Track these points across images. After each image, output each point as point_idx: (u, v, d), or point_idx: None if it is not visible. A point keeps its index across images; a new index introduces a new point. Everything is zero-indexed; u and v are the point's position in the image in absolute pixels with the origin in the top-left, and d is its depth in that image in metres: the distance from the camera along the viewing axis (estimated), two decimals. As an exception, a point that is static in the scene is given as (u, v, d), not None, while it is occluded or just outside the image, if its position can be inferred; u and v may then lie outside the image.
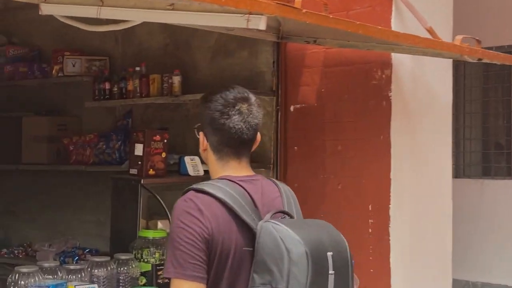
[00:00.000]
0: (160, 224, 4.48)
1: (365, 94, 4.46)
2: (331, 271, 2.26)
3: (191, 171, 4.71)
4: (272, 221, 2.30)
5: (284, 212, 2.43)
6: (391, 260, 4.32)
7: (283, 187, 2.56)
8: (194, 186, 2.37)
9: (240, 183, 2.40)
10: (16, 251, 6.21)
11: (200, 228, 2.28)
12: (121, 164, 5.40)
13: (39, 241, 6.16)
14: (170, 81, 5.13)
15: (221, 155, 2.45)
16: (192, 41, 5.34)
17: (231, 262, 2.32)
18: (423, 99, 4.29)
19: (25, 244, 6.29)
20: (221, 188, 2.36)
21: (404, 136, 4.34)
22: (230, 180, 2.40)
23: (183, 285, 2.26)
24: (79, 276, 3.67)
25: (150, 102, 5.40)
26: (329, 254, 2.27)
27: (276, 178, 4.81)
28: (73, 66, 5.72)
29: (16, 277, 3.54)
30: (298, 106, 4.82)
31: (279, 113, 4.85)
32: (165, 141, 4.58)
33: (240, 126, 2.42)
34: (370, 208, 4.43)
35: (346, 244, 2.39)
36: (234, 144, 2.44)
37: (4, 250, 6.27)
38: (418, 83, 4.31)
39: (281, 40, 4.59)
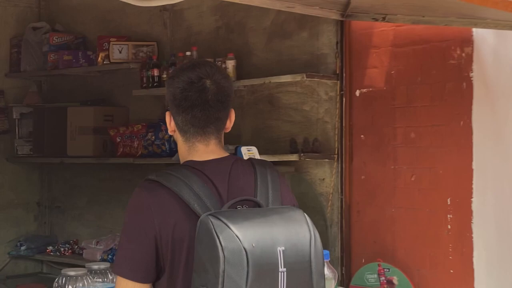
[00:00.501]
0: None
1: (442, 75, 4.03)
2: (281, 269, 1.99)
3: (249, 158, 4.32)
4: (212, 214, 2.03)
5: (249, 200, 2.14)
6: (474, 260, 3.89)
7: (261, 168, 2.26)
8: (150, 176, 2.20)
9: (204, 170, 2.17)
10: (62, 249, 5.92)
11: (147, 224, 2.10)
12: (171, 156, 5.04)
13: (86, 238, 5.88)
14: (223, 65, 4.75)
15: (188, 137, 2.25)
16: (246, 23, 4.96)
17: (186, 259, 2.11)
18: (509, 80, 3.84)
19: (71, 241, 6.00)
20: (178, 178, 2.14)
21: (488, 121, 3.90)
22: (192, 167, 2.19)
23: (127, 284, 2.13)
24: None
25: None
26: (280, 249, 2.00)
27: (341, 170, 4.42)
28: (120, 52, 5.38)
29: (63, 281, 3.21)
30: (364, 90, 4.40)
31: (344, 99, 4.43)
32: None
33: (203, 103, 2.19)
34: (448, 202, 4.00)
35: (311, 233, 2.07)
36: (199, 123, 2.22)
37: (50, 248, 5.99)
38: (503, 62, 3.86)
39: (345, 18, 4.18)
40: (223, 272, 1.95)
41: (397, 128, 4.23)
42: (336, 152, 4.45)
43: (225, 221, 2.00)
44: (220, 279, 1.95)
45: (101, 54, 5.51)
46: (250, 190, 2.20)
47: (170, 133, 2.34)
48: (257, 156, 4.38)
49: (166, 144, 5.10)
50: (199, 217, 2.04)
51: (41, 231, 6.32)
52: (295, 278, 2.01)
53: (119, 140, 5.47)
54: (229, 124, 2.28)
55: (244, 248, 1.96)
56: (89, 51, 5.72)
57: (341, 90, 4.44)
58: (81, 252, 5.76)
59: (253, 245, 1.98)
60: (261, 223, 2.05)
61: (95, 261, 5.52)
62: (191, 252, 2.07)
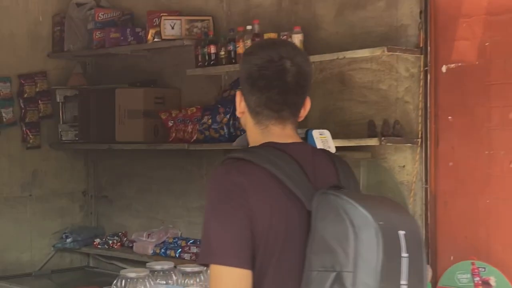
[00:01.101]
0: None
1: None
2: (404, 254, 1.87)
3: (321, 148, 3.84)
4: (332, 191, 1.95)
5: (340, 187, 2.02)
6: None
7: (336, 157, 2.19)
8: (235, 154, 2.06)
9: (287, 151, 2.04)
10: (110, 242, 5.52)
11: (243, 206, 1.94)
12: (230, 141, 4.58)
13: (136, 230, 5.48)
14: (290, 40, 4.26)
15: (260, 119, 2.10)
16: (313, -7, 4.47)
17: (282, 244, 1.98)
18: None
19: (120, 234, 5.59)
20: (267, 156, 2.01)
21: None
22: (275, 148, 2.04)
23: (231, 272, 1.92)
24: (198, 280, 2.94)
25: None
26: (401, 233, 1.88)
27: (425, 156, 3.92)
28: (172, 28, 4.92)
29: (123, 283, 2.82)
30: (452, 65, 3.88)
31: (428, 75, 3.92)
32: (291, 111, 3.72)
33: (282, 84, 2.06)
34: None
35: (418, 223, 2.06)
36: (275, 106, 2.08)
37: (97, 240, 5.59)
38: None
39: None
40: (356, 252, 1.83)
41: (493, 108, 3.72)
42: (419, 136, 3.95)
43: (349, 199, 1.89)
44: (352, 260, 1.83)
45: (151, 31, 5.07)
46: (333, 177, 2.09)
47: (238, 115, 2.19)
48: (330, 140, 3.89)
49: (225, 128, 4.64)
50: (297, 197, 1.96)
51: (87, 222, 5.94)
52: (414, 266, 1.88)
53: (171, 124, 5.04)
54: (303, 112, 2.14)
55: (377, 228, 1.84)
56: (138, 28, 5.28)
57: (425, 65, 3.93)
58: (131, 245, 5.36)
59: (381, 223, 1.85)
60: (378, 205, 1.94)
61: (147, 254, 5.12)
62: (288, 238, 1.97)
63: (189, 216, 5.25)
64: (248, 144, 3.73)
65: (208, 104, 4.91)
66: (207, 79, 5.03)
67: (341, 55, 4.01)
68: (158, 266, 2.90)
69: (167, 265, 2.92)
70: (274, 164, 1.99)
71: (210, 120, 4.73)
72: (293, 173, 2.00)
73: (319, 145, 3.85)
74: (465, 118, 3.83)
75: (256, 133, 2.14)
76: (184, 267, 2.97)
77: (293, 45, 2.16)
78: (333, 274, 1.84)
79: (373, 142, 3.89)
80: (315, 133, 3.90)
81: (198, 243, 5.04)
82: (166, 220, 5.37)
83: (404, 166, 4.04)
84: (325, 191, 1.97)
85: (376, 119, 4.10)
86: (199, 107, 4.93)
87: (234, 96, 4.68)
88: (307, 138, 3.93)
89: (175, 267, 3.00)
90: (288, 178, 1.99)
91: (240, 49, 4.48)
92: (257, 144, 2.12)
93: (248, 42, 4.43)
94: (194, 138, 4.88)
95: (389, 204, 2.03)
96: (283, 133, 2.11)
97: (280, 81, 2.06)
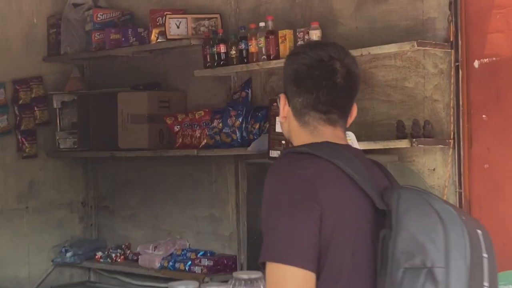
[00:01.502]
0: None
1: None
2: (484, 254, 1.81)
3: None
4: (411, 186, 1.90)
5: None
6: None
7: (376, 162, 2.08)
8: (296, 148, 1.95)
9: (346, 149, 1.96)
10: (113, 255, 5.22)
11: (312, 201, 1.80)
12: (244, 146, 4.30)
13: (140, 241, 5.18)
14: (306, 37, 4.00)
15: (306, 120, 1.98)
16: (329, -13, 4.19)
17: (353, 244, 1.84)
18: None
19: (123, 246, 5.30)
20: (331, 151, 1.89)
21: None
22: (334, 143, 1.94)
23: (296, 273, 1.77)
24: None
25: (276, 67, 4.28)
26: (479, 232, 1.83)
27: (458, 158, 3.66)
28: (178, 27, 4.63)
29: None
30: (486, 60, 3.62)
31: (460, 71, 3.65)
32: (314, 112, 3.44)
33: (331, 86, 1.94)
34: None
35: None
36: (323, 108, 1.96)
37: (99, 254, 5.29)
38: None
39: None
40: (447, 247, 1.75)
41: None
42: (451, 137, 3.68)
43: (429, 193, 1.87)
44: (443, 255, 1.74)
45: (155, 31, 4.78)
46: (386, 181, 1.99)
47: (281, 119, 2.06)
48: (355, 143, 3.62)
49: (237, 132, 4.36)
50: (366, 194, 1.86)
51: (87, 235, 5.63)
52: (491, 268, 1.82)
53: (177, 129, 4.76)
54: (349, 119, 2.02)
55: (461, 223, 1.79)
56: (140, 28, 4.98)
57: (456, 61, 3.66)
58: (136, 258, 5.06)
59: (464, 218, 1.81)
60: (451, 205, 1.87)
61: (154, 268, 4.83)
62: (360, 236, 1.84)
63: (198, 226, 4.96)
64: (268, 148, 3.47)
65: (217, 107, 4.63)
66: (215, 80, 4.74)
67: (365, 51, 3.73)
68: (244, 275, 2.47)
69: (192, 285, 2.60)
70: (341, 159, 1.88)
71: (221, 124, 4.45)
72: (359, 170, 1.89)
73: (343, 149, 3.59)
74: (501, 116, 3.56)
75: (305, 134, 2.00)
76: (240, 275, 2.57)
77: (341, 46, 2.03)
78: (424, 271, 1.73)
79: (403, 144, 3.61)
80: (339, 135, 3.63)
81: (209, 254, 4.76)
82: (173, 231, 5.08)
83: (434, 169, 3.77)
84: (403, 187, 1.90)
85: (402, 119, 3.82)
86: (207, 110, 4.65)
87: (245, 97, 4.47)
88: (330, 141, 3.66)
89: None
90: (356, 174, 1.87)
91: (253, 47, 4.20)
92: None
93: (262, 40, 4.16)
94: (203, 143, 4.60)
95: (454, 206, 1.94)
96: (334, 135, 1.99)
97: (330, 82, 1.95)
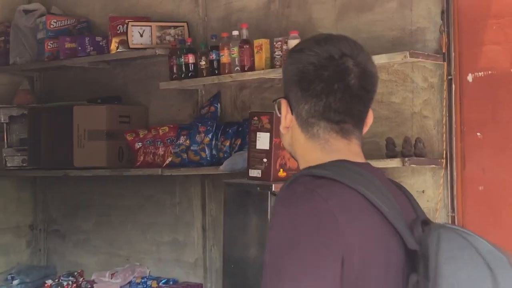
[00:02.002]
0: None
1: None
2: None
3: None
4: (451, 225, 1.61)
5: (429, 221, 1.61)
6: None
7: (396, 182, 1.76)
8: (312, 170, 1.56)
9: (367, 170, 1.61)
10: (65, 283, 4.79)
11: (335, 242, 1.45)
12: (215, 165, 3.96)
13: (94, 268, 4.80)
14: (284, 47, 3.69)
15: (315, 132, 1.64)
16: (308, -6, 3.91)
17: None
18: None
19: (75, 273, 4.85)
20: (353, 175, 1.55)
21: None
22: (353, 163, 1.60)
23: None
24: None
25: (250, 80, 3.96)
26: None
27: (450, 179, 3.38)
28: (141, 36, 4.28)
29: None
30: (480, 74, 3.36)
31: (452, 85, 3.39)
32: (299, 128, 3.13)
33: (345, 89, 1.60)
34: None
35: None
36: (335, 116, 1.62)
37: (49, 282, 4.84)
38: None
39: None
40: None
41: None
42: (443, 156, 3.40)
43: (472, 233, 1.54)
44: None
45: (115, 40, 4.42)
46: (411, 209, 1.66)
47: (282, 130, 1.69)
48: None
49: (207, 150, 4.01)
50: (396, 231, 1.52)
51: (35, 261, 5.20)
52: None
53: (139, 146, 4.40)
54: (365, 128, 1.69)
55: None
56: (98, 37, 4.61)
57: (448, 74, 3.40)
58: (90, 286, 4.64)
59: None
60: (497, 248, 1.56)
61: (110, 298, 4.43)
62: (388, 285, 1.52)
63: (159, 252, 4.57)
64: (247, 167, 3.14)
65: (182, 123, 4.28)
66: (180, 94, 4.40)
67: (351, 62, 3.43)
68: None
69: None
70: (366, 185, 1.53)
71: (188, 141, 4.10)
72: (387, 200, 1.54)
73: (328, 168, 3.29)
74: (497, 135, 3.31)
75: (314, 149, 1.65)
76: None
77: (352, 40, 1.68)
78: None
79: (394, 163, 3.32)
80: (324, 153, 3.33)
81: (171, 283, 4.39)
82: (131, 257, 4.69)
83: (424, 191, 3.49)
84: (442, 225, 1.56)
85: (389, 137, 3.54)
86: (172, 126, 4.30)
87: (214, 112, 4.13)
88: (314, 159, 3.35)
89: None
90: (385, 205, 1.53)
91: (225, 58, 3.88)
92: (318, 163, 1.60)
93: (235, 50, 3.84)
94: (168, 161, 4.24)
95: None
96: (349, 150, 1.64)
97: (342, 84, 1.61)
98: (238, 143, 4.00)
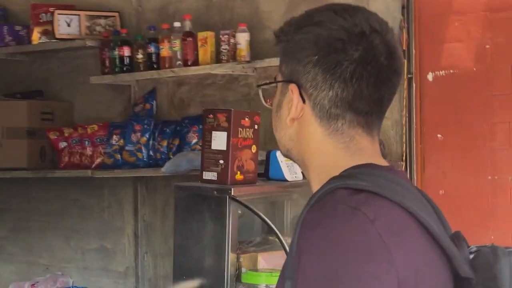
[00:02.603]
0: (262, 261, 2.79)
1: None
2: None
3: (287, 175, 3.04)
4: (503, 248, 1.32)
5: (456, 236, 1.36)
6: None
7: (421, 191, 1.46)
8: (349, 182, 1.25)
9: (401, 177, 1.35)
10: (-23, 295, 4.36)
11: (387, 272, 1.16)
12: (153, 167, 3.67)
13: (10, 278, 4.38)
14: (232, 40, 3.44)
15: (338, 127, 1.34)
16: (254, -15, 3.67)
17: None
18: None
19: (-12, 284, 4.44)
20: (396, 187, 1.27)
21: None
22: (385, 168, 1.33)
23: None
24: None
25: (188, 76, 3.70)
26: None
27: (411, 181, 3.20)
28: (68, 25, 3.93)
29: None
30: (441, 73, 3.22)
31: (412, 84, 3.23)
32: (256, 127, 2.90)
33: (376, 72, 1.32)
34: None
35: None
36: (364, 106, 1.34)
37: (-42, 294, 4.41)
38: None
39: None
40: None
41: (497, 123, 3.09)
42: (403, 158, 3.24)
43: None
44: None
45: (37, 29, 4.06)
46: (439, 221, 1.37)
47: (288, 122, 1.37)
48: (295, 164, 3.12)
49: (143, 151, 3.71)
50: (445, 255, 1.26)
51: None
52: None
53: (63, 146, 4.06)
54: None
55: None
56: (18, 26, 4.22)
57: (408, 73, 3.24)
58: (6, 298, 4.24)
59: None
60: None
61: (31, 311, 4.04)
62: None
63: (84, 260, 4.23)
64: (201, 169, 2.87)
65: (113, 121, 3.96)
66: (110, 90, 4.08)
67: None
68: None
69: None
70: (408, 198, 1.26)
71: (122, 141, 3.78)
72: (431, 216, 1.29)
73: (284, 171, 3.06)
74: (460, 136, 3.17)
75: (334, 149, 1.35)
76: None
77: (375, 13, 1.39)
78: None
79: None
80: (280, 155, 3.09)
81: (97, 293, 4.06)
82: (52, 266, 4.32)
83: (380, 195, 3.31)
84: (501, 249, 1.31)
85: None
86: (102, 124, 3.97)
87: (150, 110, 3.84)
88: (269, 161, 3.11)
89: None
90: (432, 221, 1.26)
91: (165, 51, 3.59)
92: (336, 166, 1.33)
93: (177, 43, 3.56)
94: (97, 162, 3.91)
95: None
96: (373, 150, 1.36)
97: (376, 66, 1.32)
98: (176, 144, 3.73)
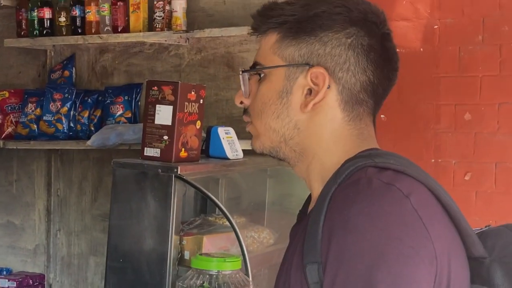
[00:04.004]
0: (207, 243, 2.63)
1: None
2: None
3: (229, 153, 2.89)
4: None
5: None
6: None
7: None
8: (378, 159, 1.23)
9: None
10: None
11: (424, 250, 1.14)
12: (73, 139, 3.41)
13: None
14: (167, 7, 3.23)
15: (359, 113, 1.34)
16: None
17: None
18: None
19: None
20: (422, 171, 1.26)
21: None
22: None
23: None
24: None
25: (112, 43, 3.46)
26: None
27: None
28: (-21, -19, 3.58)
29: None
30: (387, 52, 3.13)
31: (357, 63, 3.13)
32: (202, 101, 2.73)
33: (391, 61, 1.38)
34: (528, 212, 2.89)
35: None
36: (382, 93, 1.37)
37: None
38: None
39: None
40: None
41: (442, 106, 3.04)
42: (345, 138, 3.14)
43: None
44: None
45: None
46: None
47: (304, 108, 1.31)
48: (237, 142, 2.99)
49: (64, 121, 3.44)
50: (461, 233, 1.23)
51: None
52: None
53: (-32, 113, 3.70)
54: None
55: None
56: None
57: (353, 50, 3.13)
58: None
59: None
60: None
61: None
62: None
63: (-12, 237, 3.92)
64: (142, 145, 2.67)
65: (33, 88, 3.66)
66: (21, 55, 3.78)
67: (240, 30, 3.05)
68: None
69: None
70: (430, 179, 1.23)
71: (39, 110, 3.49)
72: (449, 197, 1.25)
73: (226, 149, 2.90)
74: (404, 118, 3.11)
75: (348, 136, 1.33)
76: None
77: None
78: None
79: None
80: (221, 131, 2.93)
81: (4, 273, 3.77)
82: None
83: (319, 176, 3.21)
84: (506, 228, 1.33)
85: (277, 115, 3.22)
86: (14, 91, 3.66)
87: (69, 77, 3.57)
88: (209, 137, 2.94)
89: None
90: (452, 204, 1.23)
91: (92, 15, 3.33)
92: (347, 155, 1.31)
93: (106, 7, 3.31)
94: (7, 132, 3.61)
95: None
96: (375, 139, 1.41)
97: (391, 53, 1.38)
98: (98, 115, 3.49)
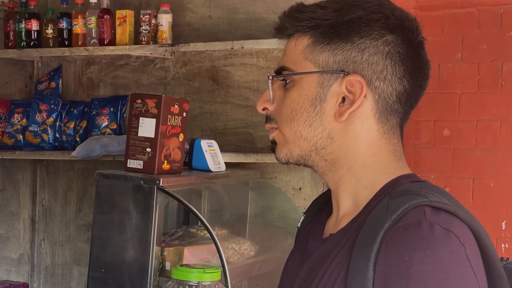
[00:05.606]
0: (188, 255, 2.67)
1: (496, 52, 2.96)
2: None
3: (211, 165, 2.94)
4: None
5: None
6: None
7: None
8: (430, 197, 1.17)
9: None
10: None
11: None
12: (58, 150, 3.45)
13: None
14: (153, 21, 3.27)
15: (393, 125, 1.29)
16: (173, -35, 3.51)
17: None
18: None
19: None
20: (461, 205, 1.23)
21: None
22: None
23: None
24: None
25: (98, 56, 3.51)
26: None
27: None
28: (-33, -8, 3.62)
29: None
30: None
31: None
32: (185, 114, 2.77)
33: (426, 74, 1.34)
34: (503, 227, 2.94)
35: None
36: (412, 104, 1.31)
37: None
38: None
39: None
40: None
41: (422, 122, 3.10)
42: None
43: None
44: None
45: None
46: None
47: (340, 117, 1.26)
48: (219, 155, 3.03)
49: (50, 132, 3.48)
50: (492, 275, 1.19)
51: None
52: None
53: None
54: None
55: None
56: None
57: (335, 65, 3.18)
58: None
59: None
60: None
61: None
62: None
63: (-28, 246, 3.94)
64: (125, 156, 2.70)
65: (20, 99, 3.70)
66: (8, 65, 3.80)
67: (237, 44, 3.10)
68: None
69: None
70: (476, 221, 1.19)
71: (25, 120, 3.53)
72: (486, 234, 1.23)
73: (208, 161, 2.94)
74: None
75: (384, 151, 1.28)
76: None
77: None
78: None
79: (270, 158, 3.03)
80: (204, 144, 2.98)
81: (-11, 282, 3.79)
82: None
83: (300, 189, 3.26)
84: None
85: (259, 129, 3.28)
86: (1, 101, 3.69)
87: (55, 89, 3.61)
88: (192, 150, 2.98)
89: None
90: (490, 245, 1.21)
91: (79, 28, 3.37)
92: (387, 174, 1.28)
93: (93, 20, 3.35)
94: (-8, 143, 3.64)
95: None
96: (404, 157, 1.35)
97: (423, 62, 1.35)
98: (84, 126, 3.53)
